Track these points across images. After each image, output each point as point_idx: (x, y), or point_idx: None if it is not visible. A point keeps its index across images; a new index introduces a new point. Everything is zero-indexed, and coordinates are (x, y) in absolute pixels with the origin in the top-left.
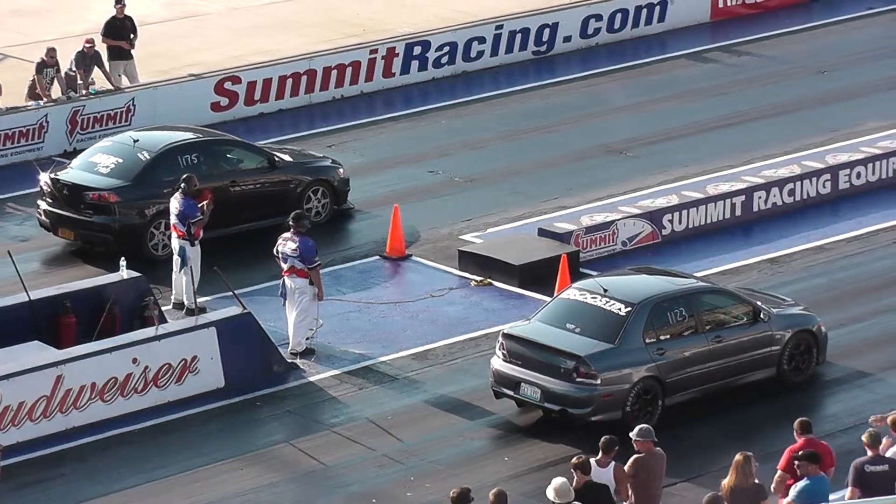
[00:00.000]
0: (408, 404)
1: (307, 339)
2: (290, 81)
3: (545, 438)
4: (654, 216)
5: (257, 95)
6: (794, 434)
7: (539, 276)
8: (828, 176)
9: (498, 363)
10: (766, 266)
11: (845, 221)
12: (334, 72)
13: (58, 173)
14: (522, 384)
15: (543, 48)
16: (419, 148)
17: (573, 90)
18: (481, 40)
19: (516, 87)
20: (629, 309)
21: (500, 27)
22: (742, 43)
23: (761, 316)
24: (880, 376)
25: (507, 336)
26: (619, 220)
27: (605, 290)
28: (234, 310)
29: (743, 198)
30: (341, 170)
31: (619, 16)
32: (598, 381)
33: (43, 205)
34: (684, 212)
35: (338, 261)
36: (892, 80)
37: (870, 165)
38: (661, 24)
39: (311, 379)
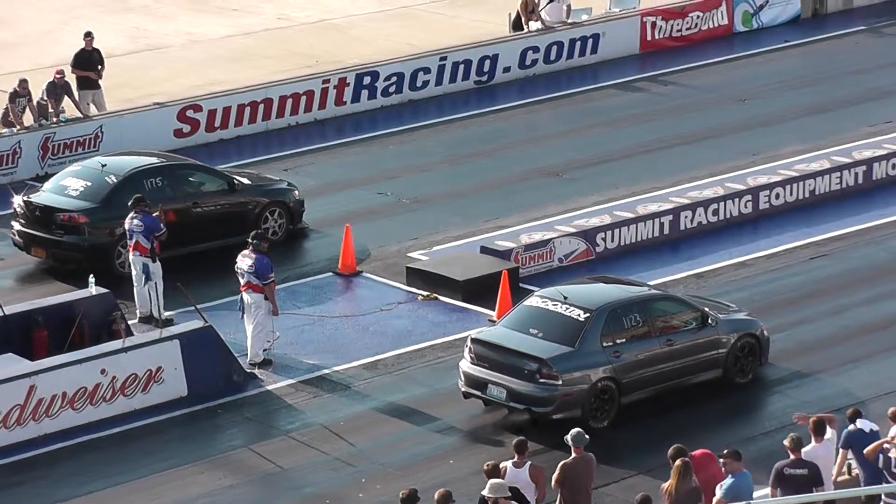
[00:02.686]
0: (359, 411)
1: (264, 350)
2: (248, 109)
3: (487, 443)
4: (588, 234)
5: (217, 122)
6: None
7: (481, 290)
8: (749, 197)
9: (466, 365)
10: (693, 281)
11: (765, 239)
12: (289, 100)
13: (30, 196)
14: (489, 385)
15: (484, 78)
16: (369, 171)
17: (512, 117)
18: (426, 71)
19: (459, 115)
20: (587, 315)
21: (444, 59)
22: (669, 73)
23: (709, 321)
24: (796, 383)
25: (474, 340)
26: (555, 238)
27: (566, 298)
28: (196, 323)
29: (671, 217)
30: (296, 192)
31: (554, 48)
32: (560, 382)
33: (16, 225)
34: (616, 230)
35: (293, 277)
36: (806, 108)
37: (788, 187)
38: (594, 56)
39: (269, 388)
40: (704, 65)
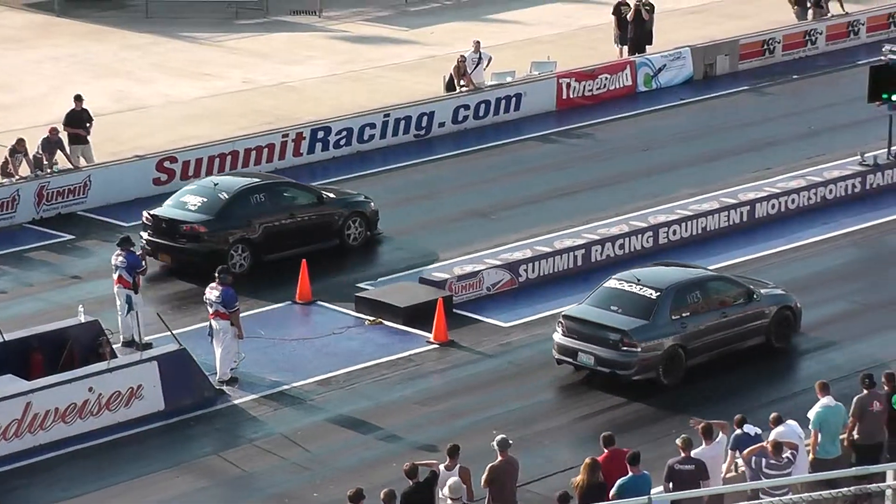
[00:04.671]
0: (314, 421)
1: (231, 369)
2: (217, 160)
3: (425, 448)
4: (512, 266)
5: (191, 172)
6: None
7: (420, 316)
8: (650, 233)
9: (558, 337)
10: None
11: None
12: (253, 152)
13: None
14: (579, 353)
15: (423, 132)
16: None
17: (447, 165)
18: (372, 126)
19: (401, 164)
20: (658, 293)
21: (387, 115)
22: (581, 127)
23: (754, 296)
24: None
25: (565, 317)
26: (484, 269)
27: (639, 280)
28: (172, 346)
29: (583, 251)
30: (372, 203)
31: (483, 105)
32: (639, 349)
33: (145, 235)
34: (537, 262)
35: (256, 305)
36: (698, 157)
37: (683, 224)
38: (517, 112)
39: (235, 402)
40: (612, 119)
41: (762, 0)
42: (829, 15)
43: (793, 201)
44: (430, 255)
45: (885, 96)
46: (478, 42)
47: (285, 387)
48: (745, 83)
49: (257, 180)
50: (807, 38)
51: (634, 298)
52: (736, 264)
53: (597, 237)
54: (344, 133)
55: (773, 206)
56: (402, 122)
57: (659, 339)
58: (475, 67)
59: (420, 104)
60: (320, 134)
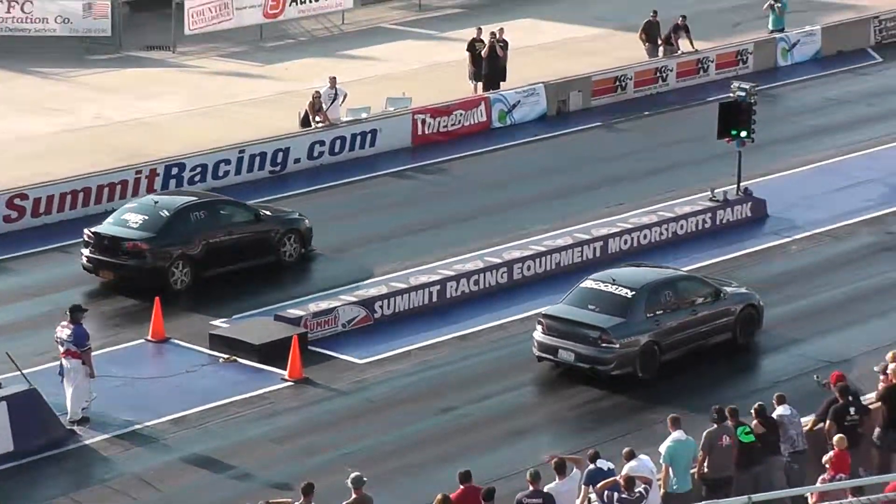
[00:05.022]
0: (167, 461)
1: (82, 409)
2: (69, 197)
3: (278, 487)
4: (367, 303)
5: (42, 209)
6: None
7: (275, 353)
8: (505, 269)
9: (539, 335)
10: (457, 342)
11: (520, 304)
12: (106, 189)
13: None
14: (560, 350)
15: (278, 168)
16: None
17: (302, 202)
18: (227, 162)
19: (257, 200)
20: (633, 293)
21: (242, 151)
22: (437, 162)
23: (721, 295)
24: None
25: (545, 315)
26: (339, 306)
27: (614, 280)
28: (21, 386)
29: (438, 287)
30: (307, 221)
31: (338, 142)
32: (617, 346)
33: (86, 252)
34: (392, 298)
35: (109, 344)
36: (552, 192)
37: (537, 260)
38: (372, 148)
39: (87, 442)
40: (467, 155)
41: (614, 37)
42: (679, 52)
43: (645, 237)
44: (286, 291)
45: (734, 133)
46: (333, 78)
47: (137, 426)
48: (599, 119)
49: (195, 198)
50: (658, 74)
51: (611, 298)
52: None
53: (452, 273)
54: (199, 169)
55: (625, 242)
56: (258, 158)
57: (635, 336)
58: (331, 103)
59: (275, 140)
60: (174, 170)
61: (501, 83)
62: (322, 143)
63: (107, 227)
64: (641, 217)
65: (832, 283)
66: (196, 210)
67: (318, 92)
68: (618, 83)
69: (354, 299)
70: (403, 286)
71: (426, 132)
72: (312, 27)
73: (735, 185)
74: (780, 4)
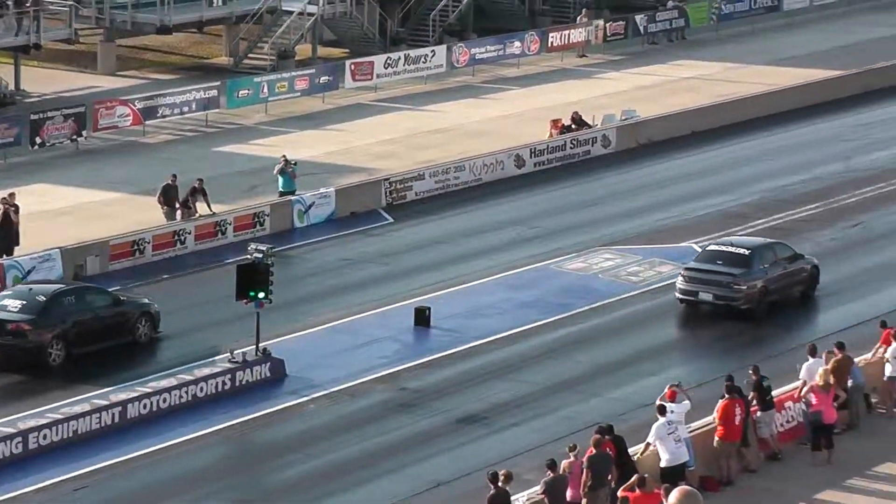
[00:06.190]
0: None
1: None
2: None
3: None
4: None
5: None
6: None
7: None
8: (20, 438)
9: (681, 283)
10: None
11: (34, 475)
12: None
13: None
14: (700, 293)
15: None
16: None
17: None
18: None
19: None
20: (750, 251)
21: None
22: None
23: (802, 257)
24: None
25: (687, 268)
26: None
27: (732, 244)
28: None
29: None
30: (155, 305)
31: None
32: (745, 288)
33: None
34: None
35: None
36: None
37: (54, 428)
38: None
39: None
40: None
41: (132, 201)
42: (197, 215)
43: (164, 400)
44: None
45: (251, 294)
46: None
47: None
48: (117, 283)
49: (63, 285)
50: (176, 237)
51: (732, 255)
52: (105, 467)
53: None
54: None
55: (144, 406)
56: None
57: (754, 282)
58: None
59: None
60: None
61: (15, 248)
62: None
63: None
64: (160, 381)
65: (350, 441)
66: (67, 295)
67: None
68: (136, 247)
69: None
70: None
71: None
72: None
73: (254, 346)
74: (292, 168)
